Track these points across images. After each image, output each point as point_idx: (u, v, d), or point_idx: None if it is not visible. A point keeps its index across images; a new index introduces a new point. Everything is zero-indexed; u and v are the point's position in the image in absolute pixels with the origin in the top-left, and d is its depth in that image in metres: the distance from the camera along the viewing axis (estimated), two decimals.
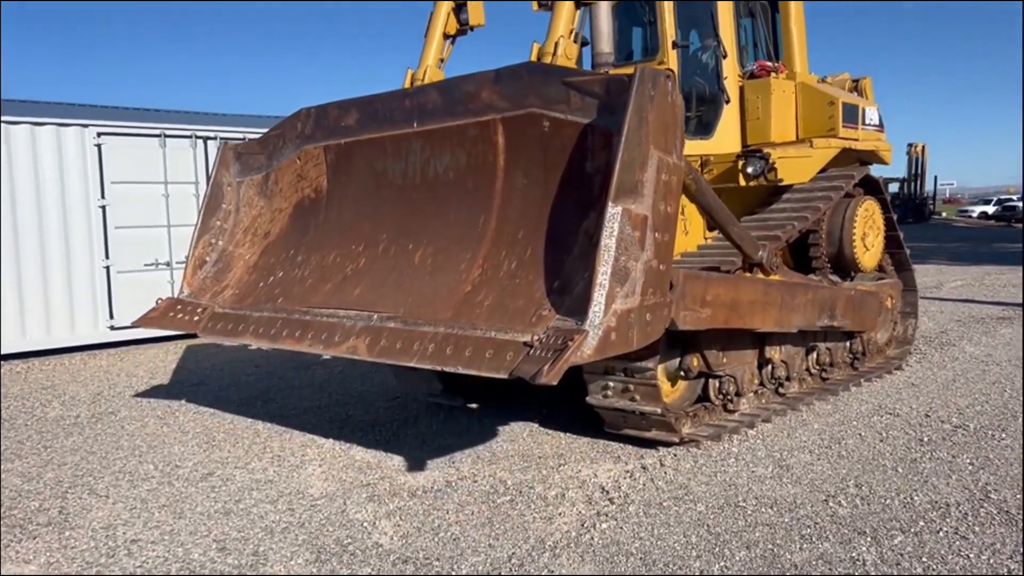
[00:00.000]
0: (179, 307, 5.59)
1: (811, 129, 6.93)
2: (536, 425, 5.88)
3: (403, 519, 4.25)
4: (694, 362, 5.29)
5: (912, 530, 3.89)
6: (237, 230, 5.86)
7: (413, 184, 4.80)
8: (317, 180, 5.41)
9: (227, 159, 5.95)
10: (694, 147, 6.13)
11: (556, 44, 5.31)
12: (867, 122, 7.37)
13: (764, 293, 5.34)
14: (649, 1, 6.70)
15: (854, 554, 3.66)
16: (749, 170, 6.12)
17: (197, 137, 10.60)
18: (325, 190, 5.37)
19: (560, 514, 4.25)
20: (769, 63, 6.93)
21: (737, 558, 3.66)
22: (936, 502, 4.22)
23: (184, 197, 10.43)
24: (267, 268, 5.48)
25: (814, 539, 3.83)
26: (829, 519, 4.05)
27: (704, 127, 6.59)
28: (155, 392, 7.54)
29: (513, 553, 3.80)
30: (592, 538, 3.93)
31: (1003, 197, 50.95)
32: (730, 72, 6.60)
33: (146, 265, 10.20)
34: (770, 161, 6.13)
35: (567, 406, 6.04)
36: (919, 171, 41.40)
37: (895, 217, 7.62)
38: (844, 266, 6.93)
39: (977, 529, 3.87)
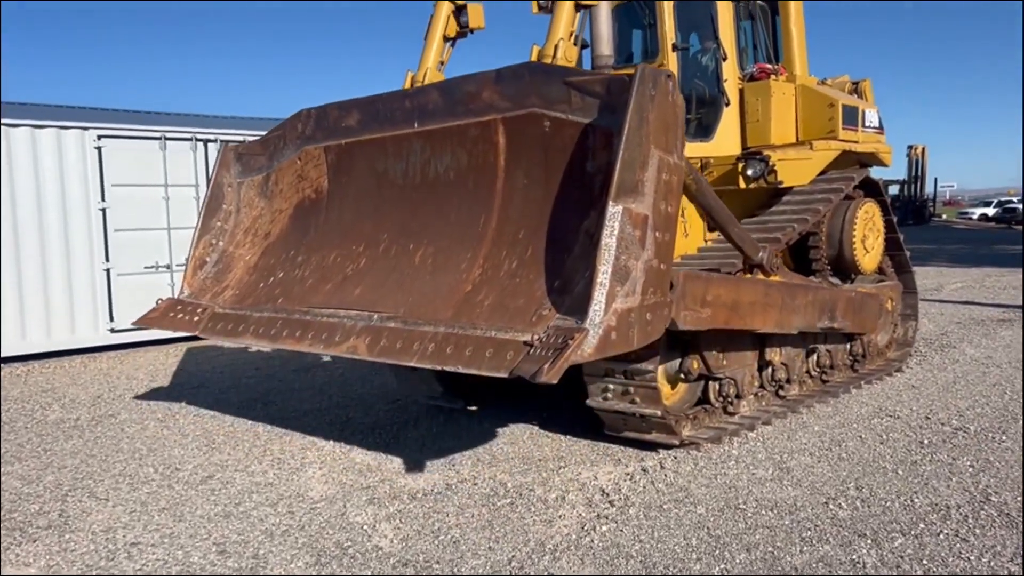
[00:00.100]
0: (179, 307, 5.59)
1: (811, 131, 6.93)
2: (536, 427, 5.88)
3: (403, 522, 4.24)
4: (694, 364, 5.28)
5: (912, 532, 3.89)
6: (237, 231, 5.86)
7: (414, 184, 4.81)
8: (318, 181, 5.42)
9: (228, 160, 5.95)
10: (694, 149, 6.13)
11: (556, 47, 5.31)
12: (867, 124, 7.37)
13: (764, 294, 5.34)
14: (649, 3, 6.71)
15: (854, 556, 3.66)
16: (749, 172, 6.12)
17: (197, 140, 10.61)
18: (326, 190, 5.37)
19: (560, 517, 4.24)
20: (769, 65, 6.94)
21: (737, 560, 3.66)
22: (936, 504, 4.22)
23: (184, 200, 10.43)
24: (267, 268, 5.48)
25: (814, 541, 3.83)
26: (829, 521, 4.05)
27: (704, 129, 6.59)
28: (155, 395, 7.54)
29: (513, 556, 3.80)
30: (592, 541, 3.93)
31: (1003, 199, 50.98)
32: (730, 74, 6.60)
33: (146, 268, 10.20)
34: (770, 163, 6.14)
35: (567, 409, 6.04)
36: (919, 173, 41.42)
37: (895, 219, 7.63)
38: (844, 268, 6.93)
39: (978, 531, 3.87)
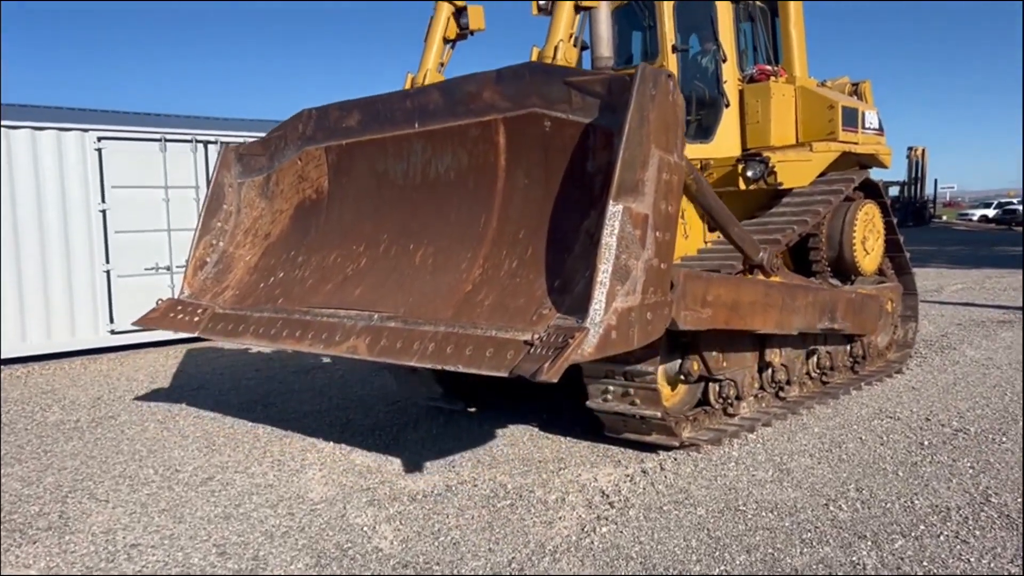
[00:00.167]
0: (179, 307, 5.59)
1: (811, 133, 6.93)
2: (536, 429, 5.88)
3: (403, 523, 4.24)
4: (694, 366, 5.28)
5: (913, 534, 3.88)
6: (238, 231, 5.86)
7: (414, 184, 4.81)
8: (318, 181, 5.42)
9: (228, 160, 5.95)
10: (694, 151, 6.13)
11: (556, 48, 5.32)
12: (867, 126, 7.38)
13: (765, 294, 5.34)
14: (649, 5, 6.71)
15: (855, 558, 3.65)
16: (749, 174, 6.12)
17: (197, 141, 10.61)
18: (326, 191, 5.38)
19: (560, 518, 4.24)
20: (769, 67, 6.94)
21: (737, 562, 3.66)
22: (937, 506, 4.22)
23: (184, 201, 10.44)
24: (268, 269, 5.48)
25: (815, 543, 3.82)
26: (829, 523, 4.04)
27: (704, 131, 6.59)
28: (155, 396, 7.53)
29: (513, 557, 3.80)
30: (592, 542, 3.93)
31: (1003, 200, 51.00)
32: (730, 76, 6.61)
33: (146, 269, 10.20)
34: (770, 165, 6.14)
35: (567, 410, 6.04)
36: (919, 174, 41.44)
37: (895, 221, 7.63)
38: (844, 270, 6.93)
39: (978, 533, 3.87)
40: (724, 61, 6.55)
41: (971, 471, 4.73)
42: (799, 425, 5.78)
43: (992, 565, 3.54)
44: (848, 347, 6.94)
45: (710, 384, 5.56)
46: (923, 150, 41.27)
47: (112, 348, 10.00)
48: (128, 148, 10.08)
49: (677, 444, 5.12)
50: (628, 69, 5.56)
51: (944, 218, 50.35)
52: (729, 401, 5.63)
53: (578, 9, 5.45)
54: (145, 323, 5.76)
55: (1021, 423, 5.67)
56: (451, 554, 3.86)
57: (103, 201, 9.87)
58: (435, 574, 3.67)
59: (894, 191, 40.81)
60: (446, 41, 6.39)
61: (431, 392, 6.34)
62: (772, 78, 6.76)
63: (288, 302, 5.01)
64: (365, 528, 4.20)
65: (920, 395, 6.59)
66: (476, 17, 6.40)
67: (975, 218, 48.94)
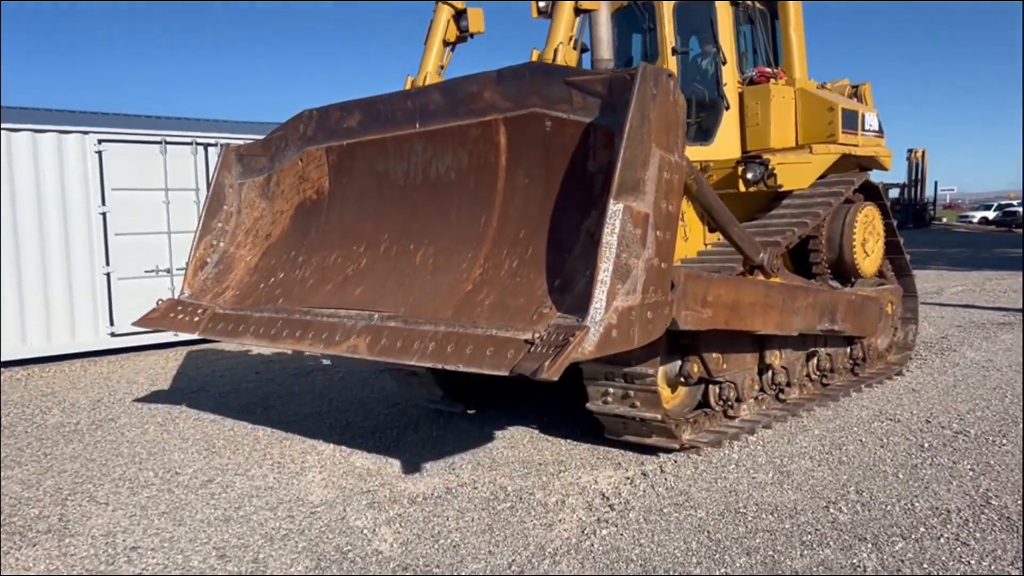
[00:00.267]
0: (179, 308, 5.59)
1: (811, 135, 6.93)
2: (536, 431, 5.87)
3: (403, 526, 4.24)
4: (694, 368, 5.28)
5: (913, 536, 3.88)
6: (238, 232, 5.86)
7: (415, 185, 4.81)
8: (319, 181, 5.42)
9: (229, 161, 5.95)
10: (694, 153, 6.13)
11: (555, 51, 5.32)
12: (867, 128, 7.38)
13: (765, 295, 5.34)
14: (648, 7, 6.71)
15: (855, 560, 3.65)
16: (749, 176, 6.13)
17: (198, 144, 10.61)
18: (327, 191, 5.38)
19: (560, 520, 4.24)
20: (768, 69, 6.94)
21: (738, 564, 3.66)
22: (937, 508, 4.21)
23: (185, 204, 10.44)
24: (268, 269, 5.49)
25: (815, 545, 3.82)
26: (830, 525, 4.04)
27: (704, 133, 6.60)
28: (155, 398, 7.53)
29: (513, 560, 3.80)
30: (592, 545, 3.93)
31: (1004, 202, 50.99)
32: (729, 78, 6.61)
33: (146, 272, 10.20)
34: (770, 167, 6.14)
35: (567, 413, 6.03)
36: (919, 176, 41.45)
37: (895, 223, 7.63)
38: (844, 272, 6.93)
39: (978, 535, 3.87)
40: (724, 63, 6.55)
41: (971, 473, 4.73)
42: (799, 427, 5.78)
43: (992, 567, 3.54)
44: (848, 349, 6.94)
45: (710, 386, 5.55)
46: (923, 152, 41.29)
47: (112, 350, 9.99)
48: (128, 150, 10.08)
49: (677, 446, 5.12)
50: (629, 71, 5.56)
51: (944, 220, 50.36)
52: (729, 403, 5.63)
53: (578, 11, 5.45)
54: (145, 323, 5.76)
55: (1021, 425, 5.67)
56: (451, 556, 3.86)
57: (103, 203, 9.87)
58: None
59: (894, 193, 40.83)
60: (446, 44, 6.39)
61: (431, 394, 6.34)
62: (772, 80, 6.77)
63: (288, 302, 5.02)
64: (365, 531, 4.19)
65: (920, 397, 6.59)
66: (476, 20, 6.40)
67: (975, 220, 48.95)
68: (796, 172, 6.53)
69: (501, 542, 4.00)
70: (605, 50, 5.53)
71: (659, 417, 4.88)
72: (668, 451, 5.16)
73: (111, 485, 5.04)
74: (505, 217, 4.28)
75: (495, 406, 6.47)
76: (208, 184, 7.34)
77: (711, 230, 6.19)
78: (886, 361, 7.57)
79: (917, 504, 4.28)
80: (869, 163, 7.53)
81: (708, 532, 4.02)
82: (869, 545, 3.80)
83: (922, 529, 3.96)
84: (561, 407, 6.25)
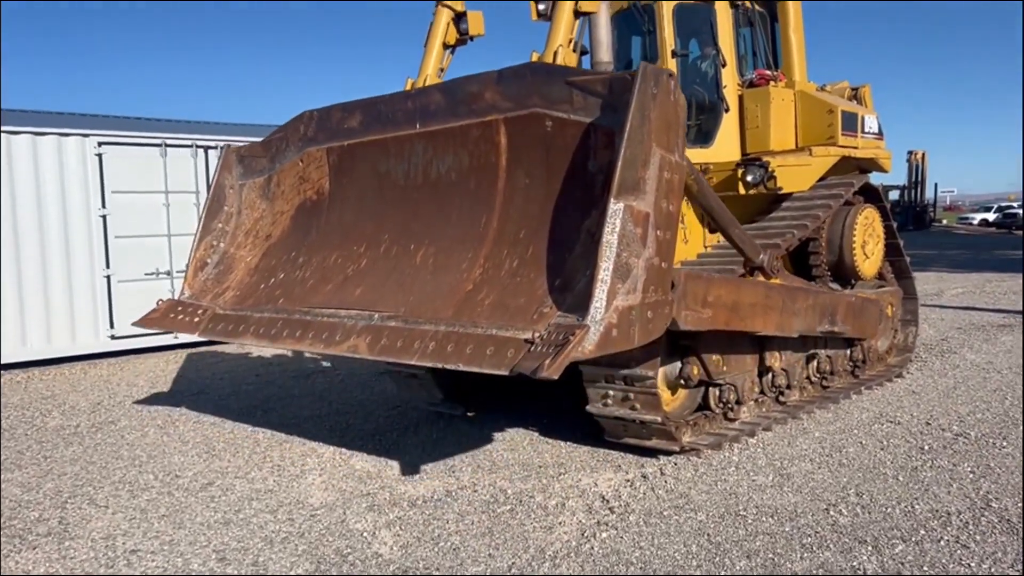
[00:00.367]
0: (179, 308, 5.59)
1: (810, 137, 6.94)
2: (536, 434, 5.87)
3: (403, 529, 4.24)
4: (694, 370, 5.28)
5: (913, 539, 3.88)
6: (239, 232, 5.86)
7: (415, 185, 4.82)
8: (319, 182, 5.43)
9: (230, 162, 5.96)
10: (694, 155, 6.13)
11: (555, 53, 5.32)
12: (866, 130, 7.39)
13: (765, 296, 5.34)
14: (648, 10, 6.72)
15: (855, 563, 3.65)
16: (749, 178, 6.13)
17: (198, 146, 10.62)
18: (327, 192, 5.38)
19: (560, 523, 4.24)
20: (768, 72, 6.95)
21: (738, 567, 3.65)
22: (937, 511, 4.21)
23: (185, 206, 10.44)
24: (268, 270, 5.49)
25: (815, 548, 3.82)
26: (830, 528, 4.04)
27: (704, 136, 6.61)
28: (155, 401, 7.53)
29: (513, 563, 3.80)
30: (592, 547, 3.92)
31: (1004, 204, 51.02)
32: (729, 81, 6.62)
33: (147, 274, 10.20)
34: (769, 169, 6.15)
35: (567, 415, 6.03)
36: (919, 178, 41.48)
37: (895, 225, 7.63)
38: (844, 274, 6.93)
39: (978, 538, 3.86)
40: (724, 66, 6.56)
41: (971, 476, 4.72)
42: (799, 430, 5.78)
43: (993, 570, 3.54)
44: (848, 351, 6.94)
45: (710, 388, 5.55)
46: (923, 154, 41.31)
47: (112, 353, 9.99)
48: (128, 153, 10.08)
49: (677, 449, 5.12)
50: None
51: (944, 222, 50.38)
52: (729, 406, 5.63)
53: (577, 14, 5.46)
54: (145, 324, 5.76)
55: (1021, 427, 5.67)
56: (451, 559, 3.86)
57: (103, 206, 9.87)
58: None
59: (894, 195, 40.86)
60: (446, 46, 6.40)
61: (431, 397, 6.34)
62: (772, 83, 6.78)
63: (288, 302, 5.02)
64: (365, 534, 4.19)
65: (920, 399, 6.58)
66: (476, 22, 6.41)
67: (975, 222, 48.96)
68: (796, 174, 6.54)
69: (501, 545, 4.00)
70: (605, 53, 5.54)
71: (659, 419, 4.88)
72: (668, 453, 5.16)
73: (111, 488, 5.04)
74: (505, 217, 4.29)
75: (495, 408, 6.47)
76: (208, 186, 7.34)
77: (711, 231, 6.20)
78: (886, 363, 7.57)
79: (917, 506, 4.28)
80: (869, 165, 7.53)
81: (708, 535, 4.01)
82: (869, 548, 3.80)
83: (922, 532, 3.96)
84: (561, 410, 6.25)
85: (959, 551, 3.73)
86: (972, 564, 3.60)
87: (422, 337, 3.96)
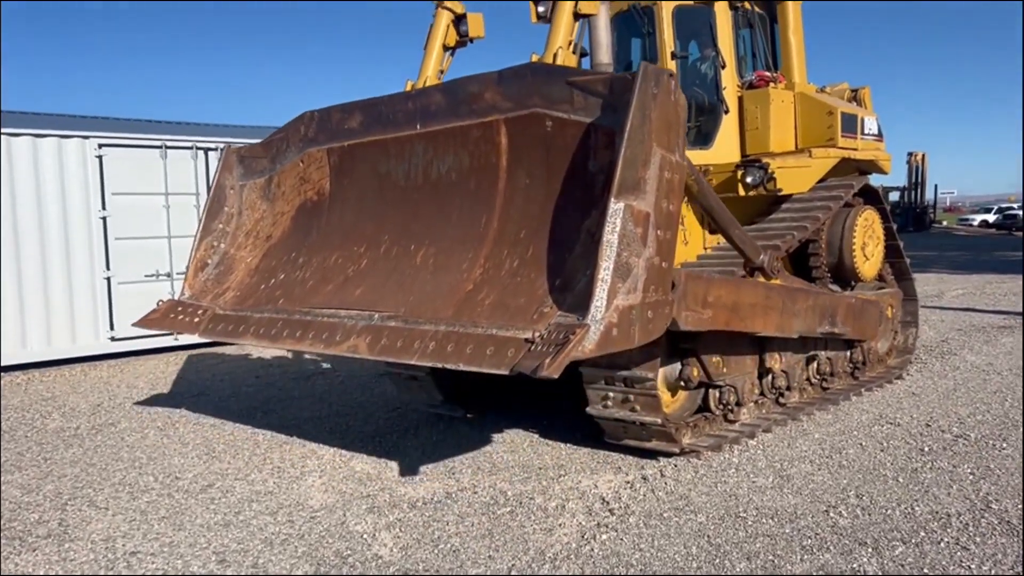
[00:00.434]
0: (180, 308, 5.59)
1: (810, 139, 6.94)
2: (536, 436, 5.87)
3: (403, 531, 4.24)
4: (694, 372, 5.28)
5: (913, 541, 3.88)
6: (239, 233, 5.87)
7: (416, 185, 4.82)
8: (320, 183, 5.43)
9: (230, 163, 5.96)
10: (693, 157, 6.11)
11: (555, 55, 5.33)
12: (866, 132, 7.39)
13: (765, 296, 5.34)
14: (648, 12, 6.73)
15: (855, 565, 3.65)
16: (748, 180, 6.13)
17: (198, 148, 10.62)
18: (328, 192, 5.39)
19: (560, 525, 4.24)
20: (768, 73, 6.96)
21: (738, 569, 3.65)
22: (937, 512, 4.21)
23: (185, 208, 10.44)
24: (268, 270, 5.49)
25: (815, 550, 3.82)
26: (830, 529, 4.04)
27: (703, 137, 6.61)
28: (155, 403, 7.53)
29: (513, 565, 3.79)
30: (592, 549, 3.92)
31: (1004, 206, 51.04)
32: (729, 82, 6.62)
33: (147, 276, 10.20)
34: (769, 171, 6.15)
35: (567, 417, 6.03)
36: (919, 180, 41.50)
37: (895, 226, 7.63)
38: (844, 276, 6.93)
39: (978, 539, 3.86)
40: (723, 67, 6.56)
41: (971, 477, 4.72)
42: (799, 431, 5.78)
43: (993, 572, 3.54)
44: (848, 353, 6.94)
45: (710, 390, 5.55)
46: (923, 155, 41.33)
47: (112, 355, 10.00)
48: (129, 155, 10.09)
49: (677, 450, 5.12)
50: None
51: (944, 223, 50.39)
52: (729, 407, 5.63)
53: (577, 16, 5.46)
54: (146, 324, 5.76)
55: (1021, 429, 5.66)
56: (451, 561, 3.86)
57: (104, 208, 9.88)
58: None
59: (894, 196, 40.87)
60: (446, 48, 6.40)
61: (431, 398, 6.33)
62: (771, 84, 6.78)
63: (289, 303, 5.02)
64: (365, 535, 4.19)
65: (920, 401, 6.58)
66: (476, 24, 6.42)
67: (975, 223, 48.96)
68: (795, 176, 6.54)
69: (501, 547, 4.00)
70: (604, 54, 5.54)
71: (659, 421, 4.88)
72: (668, 455, 5.16)
73: (111, 490, 5.04)
74: (506, 217, 4.29)
75: (495, 410, 6.47)
76: (208, 188, 7.34)
77: (711, 232, 6.20)
78: (886, 365, 7.57)
79: (917, 508, 4.28)
80: (868, 167, 7.53)
81: (708, 536, 4.01)
82: (869, 549, 3.80)
83: (922, 533, 3.96)
84: (561, 412, 6.25)
85: (959, 553, 3.73)
86: (972, 566, 3.60)
87: (422, 337, 3.96)
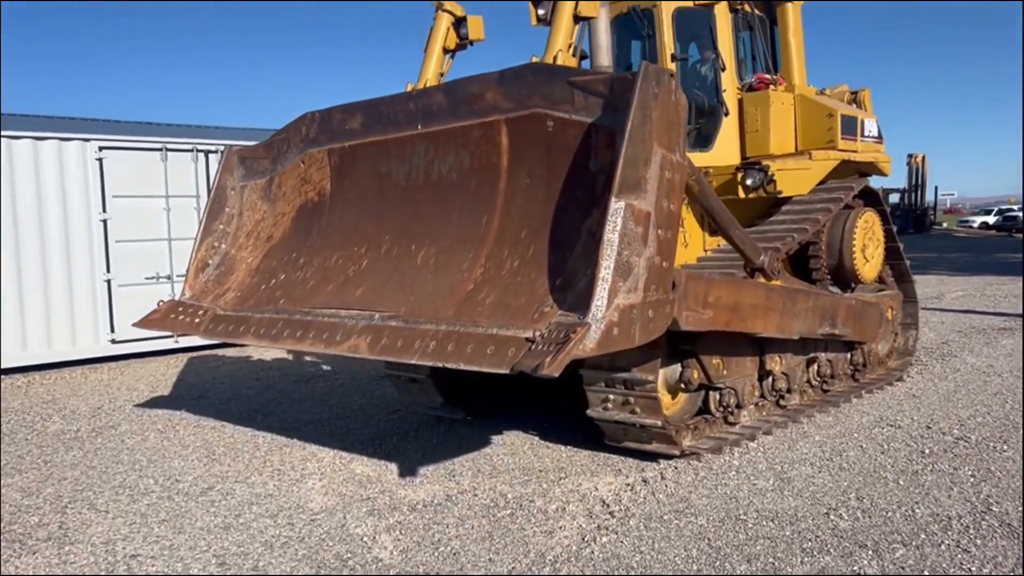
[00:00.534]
0: (180, 309, 5.59)
1: (810, 141, 6.95)
2: (537, 438, 5.87)
3: (403, 533, 4.23)
4: (694, 374, 5.28)
5: (914, 543, 3.87)
6: (240, 233, 5.87)
7: (417, 186, 4.82)
8: (321, 183, 5.43)
9: (231, 163, 5.97)
10: (693, 159, 6.12)
11: (555, 58, 5.33)
12: (866, 134, 7.39)
13: (766, 297, 5.34)
14: (648, 14, 6.73)
15: (856, 567, 3.65)
16: (748, 182, 6.14)
17: (198, 151, 10.63)
18: (328, 193, 5.39)
19: (560, 528, 4.23)
20: (768, 75, 6.96)
21: (738, 571, 3.65)
22: (938, 515, 4.21)
23: (185, 211, 10.45)
24: (269, 271, 5.50)
25: (815, 552, 3.82)
26: (830, 532, 4.04)
27: (703, 139, 6.61)
28: (156, 405, 7.53)
29: (513, 567, 3.79)
30: (593, 552, 3.92)
31: (1004, 207, 51.04)
32: (729, 85, 6.63)
33: (147, 278, 10.20)
34: (769, 173, 6.15)
35: (568, 419, 6.03)
36: (919, 181, 41.50)
37: (895, 228, 7.63)
38: (844, 278, 6.93)
39: (979, 542, 3.86)
40: (723, 70, 6.57)
41: (972, 480, 4.72)
42: (800, 433, 5.77)
43: (993, 574, 3.53)
44: (848, 355, 6.94)
45: (710, 392, 5.55)
46: (923, 157, 41.34)
47: (113, 357, 10.00)
48: (129, 158, 10.10)
49: (678, 453, 5.12)
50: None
51: (944, 225, 50.38)
52: (730, 409, 5.63)
53: (577, 18, 5.46)
54: (146, 324, 5.76)
55: (1022, 431, 5.66)
56: (451, 564, 3.85)
57: (104, 210, 9.88)
58: None
59: (894, 198, 40.88)
60: (446, 51, 6.41)
61: (431, 401, 6.33)
62: (771, 87, 6.78)
63: (289, 303, 5.02)
64: (365, 538, 4.19)
65: (921, 403, 6.58)
66: (476, 27, 6.42)
67: (975, 225, 48.97)
68: (795, 178, 6.54)
69: (501, 549, 3.99)
70: (604, 56, 5.55)
71: (659, 423, 4.88)
72: (668, 457, 5.16)
73: (111, 492, 5.04)
74: (507, 217, 4.29)
75: (495, 413, 6.47)
76: (209, 190, 7.35)
77: (712, 232, 6.20)
78: (886, 367, 7.56)
79: (918, 510, 4.27)
80: (868, 169, 7.54)
81: (709, 539, 4.01)
82: (870, 552, 3.79)
83: (923, 536, 3.95)
84: (561, 414, 6.25)
85: (960, 555, 3.73)
86: (973, 568, 3.59)
87: (423, 337, 3.96)
